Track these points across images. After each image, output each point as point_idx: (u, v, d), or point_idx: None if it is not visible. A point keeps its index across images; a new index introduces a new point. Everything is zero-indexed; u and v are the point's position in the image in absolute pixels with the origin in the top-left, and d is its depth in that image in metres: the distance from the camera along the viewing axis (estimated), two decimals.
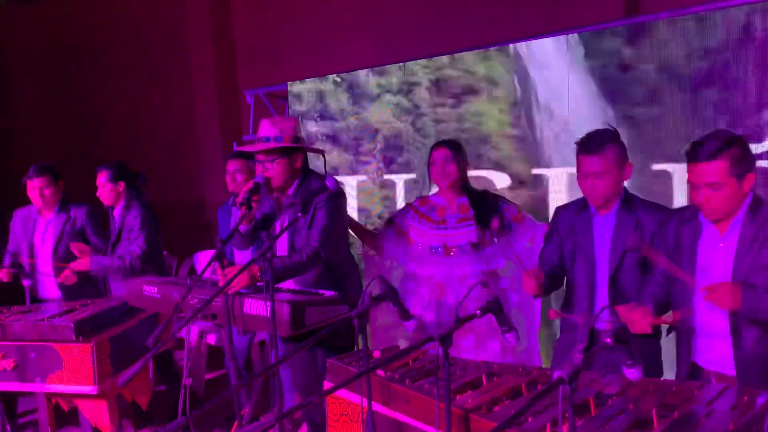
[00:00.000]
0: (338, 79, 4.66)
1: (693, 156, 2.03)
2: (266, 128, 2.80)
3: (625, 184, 2.47)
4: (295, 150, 2.82)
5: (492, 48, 3.90)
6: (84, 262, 3.61)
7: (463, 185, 3.05)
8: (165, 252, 4.85)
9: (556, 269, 2.55)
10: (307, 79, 4.82)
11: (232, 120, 6.08)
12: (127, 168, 3.83)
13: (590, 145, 2.36)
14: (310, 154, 2.97)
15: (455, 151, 3.02)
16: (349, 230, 3.31)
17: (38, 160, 3.91)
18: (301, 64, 5.46)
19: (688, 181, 2.08)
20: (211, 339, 4.37)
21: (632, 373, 1.57)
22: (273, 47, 5.83)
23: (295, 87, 4.91)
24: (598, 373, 1.97)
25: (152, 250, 3.69)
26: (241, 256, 3.62)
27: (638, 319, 2.10)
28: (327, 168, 3.12)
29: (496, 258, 2.97)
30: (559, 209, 2.65)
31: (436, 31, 4.87)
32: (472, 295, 2.59)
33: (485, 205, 3.01)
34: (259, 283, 2.57)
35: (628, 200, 2.45)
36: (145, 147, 6.43)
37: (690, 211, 2.20)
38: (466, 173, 3.07)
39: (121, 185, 3.77)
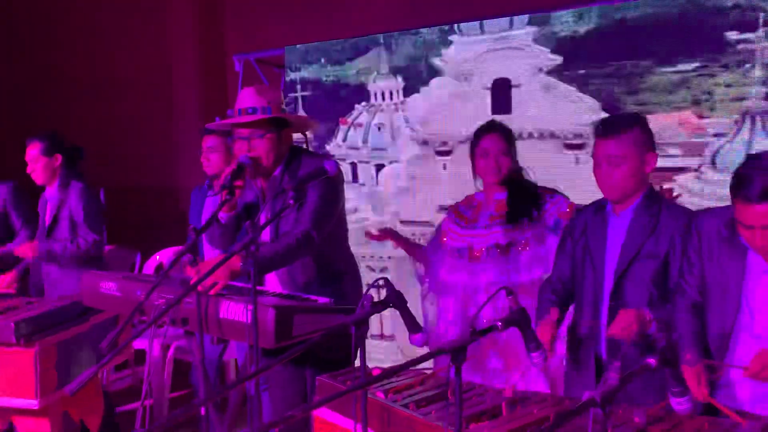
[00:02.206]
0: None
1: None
2: (250, 97, 2.82)
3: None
4: (285, 125, 2.87)
5: None
6: (26, 247, 3.68)
7: (509, 179, 3.08)
8: (126, 247, 4.93)
9: (568, 289, 2.62)
10: (310, 44, 4.90)
11: (215, 90, 6.13)
12: (63, 139, 3.90)
13: (608, 126, 2.47)
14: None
15: (509, 139, 3.07)
16: (399, 247, 3.41)
17: None
18: (302, 25, 5.53)
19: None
20: (177, 352, 4.43)
21: (681, 404, 1.60)
22: (267, 3, 5.90)
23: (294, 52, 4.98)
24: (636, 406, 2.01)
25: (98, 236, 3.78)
26: (212, 254, 3.58)
27: (692, 377, 2.10)
28: (310, 147, 3.18)
29: (530, 266, 2.98)
30: (574, 213, 2.73)
31: None
32: (499, 305, 2.64)
33: (524, 200, 3.02)
34: (236, 283, 2.63)
35: (650, 198, 2.50)
36: (108, 121, 6.50)
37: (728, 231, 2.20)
38: (518, 163, 3.10)
39: (58, 159, 3.83)
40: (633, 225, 2.47)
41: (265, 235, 2.87)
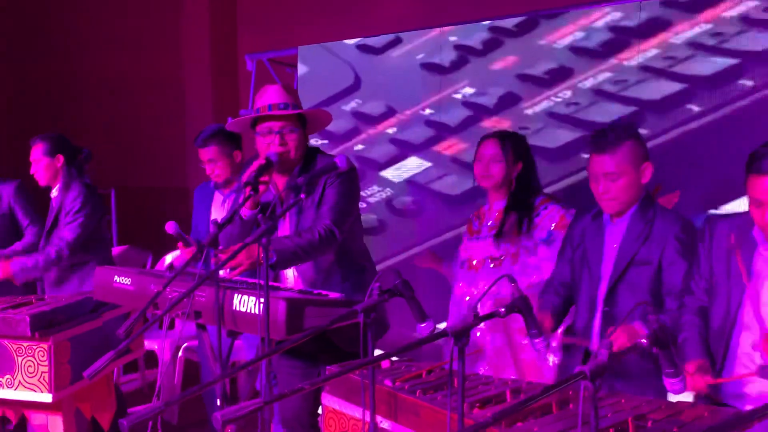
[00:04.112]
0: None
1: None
2: (279, 94, 3.00)
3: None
4: (305, 124, 3.05)
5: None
6: (4, 267, 3.81)
7: (510, 186, 3.23)
8: (137, 248, 5.10)
9: (569, 292, 2.77)
10: (324, 44, 5.06)
11: (227, 90, 6.31)
12: (67, 140, 4.06)
13: (602, 142, 2.58)
14: None
15: (505, 146, 3.20)
16: (436, 269, 3.56)
17: None
18: (317, 25, 5.69)
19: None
20: (187, 353, 4.59)
21: (674, 384, 1.75)
22: (280, 2, 6.06)
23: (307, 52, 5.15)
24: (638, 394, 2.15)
25: (90, 236, 3.91)
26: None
27: (695, 379, 2.21)
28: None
29: (521, 275, 3.12)
30: (574, 220, 2.87)
31: None
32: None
33: (517, 212, 3.17)
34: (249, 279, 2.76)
35: (645, 205, 2.63)
36: (120, 121, 6.68)
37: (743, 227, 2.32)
38: (524, 171, 3.23)
39: (60, 160, 3.99)
40: (628, 232, 2.63)
41: (282, 233, 3.03)
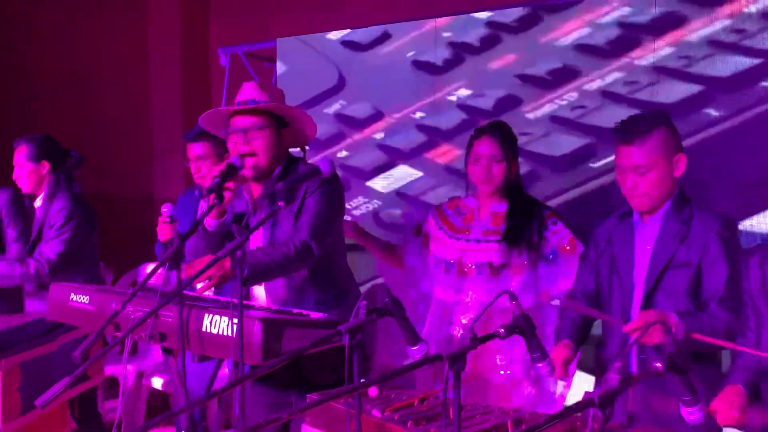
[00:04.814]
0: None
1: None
2: (252, 90, 3.01)
3: None
4: (284, 124, 3.05)
5: None
6: None
7: (508, 187, 3.24)
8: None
9: (593, 304, 2.75)
10: (305, 37, 5.08)
11: (198, 88, 6.31)
12: (55, 144, 4.06)
13: (630, 131, 2.58)
14: None
15: (505, 145, 3.21)
16: (360, 243, 3.54)
17: None
18: (298, 16, 5.71)
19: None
20: (155, 381, 4.56)
21: (692, 414, 1.76)
22: None
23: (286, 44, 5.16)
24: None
25: (76, 254, 3.92)
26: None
27: (723, 408, 2.19)
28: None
29: (520, 292, 3.10)
30: (597, 225, 2.86)
31: None
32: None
33: (526, 220, 3.18)
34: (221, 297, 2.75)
35: (680, 202, 2.63)
36: (79, 121, 6.63)
37: None
38: (517, 171, 3.25)
39: (45, 166, 3.98)
40: (663, 232, 2.61)
41: (255, 242, 3.03)
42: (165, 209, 3.40)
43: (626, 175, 2.61)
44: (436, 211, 3.41)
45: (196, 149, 3.91)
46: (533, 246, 3.15)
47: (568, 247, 3.14)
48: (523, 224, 3.16)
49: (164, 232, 3.45)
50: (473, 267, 3.19)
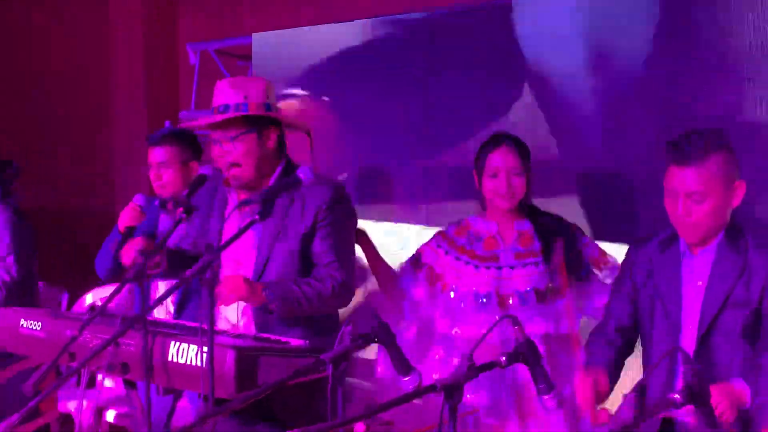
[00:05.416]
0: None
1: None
2: (224, 93, 3.00)
3: None
4: (267, 123, 3.02)
5: None
6: None
7: (523, 205, 3.21)
8: (42, 283, 5.03)
9: (628, 340, 2.72)
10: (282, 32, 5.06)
11: (165, 88, 6.23)
12: None
13: (686, 150, 2.51)
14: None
15: (522, 154, 3.17)
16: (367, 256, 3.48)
17: None
18: (274, 9, 5.67)
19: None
20: (114, 416, 4.49)
21: None
22: None
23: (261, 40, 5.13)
24: None
25: (26, 276, 3.89)
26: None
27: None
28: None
29: (567, 316, 3.11)
30: (634, 245, 2.82)
31: None
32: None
33: (557, 236, 3.17)
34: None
35: (734, 233, 2.59)
36: (30, 125, 6.58)
37: None
38: (530, 186, 3.21)
39: None
40: (717, 266, 2.57)
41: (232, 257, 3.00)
42: (137, 199, 3.40)
43: (678, 201, 2.54)
44: (442, 238, 3.33)
45: (158, 154, 3.84)
46: (571, 264, 3.13)
47: (600, 260, 3.17)
48: (556, 241, 3.15)
49: (129, 217, 3.42)
50: (516, 296, 3.15)
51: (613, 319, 2.79)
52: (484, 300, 3.18)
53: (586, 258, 3.17)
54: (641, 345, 2.73)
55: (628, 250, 2.84)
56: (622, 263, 2.85)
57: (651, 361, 2.67)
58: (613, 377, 2.70)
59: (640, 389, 1.65)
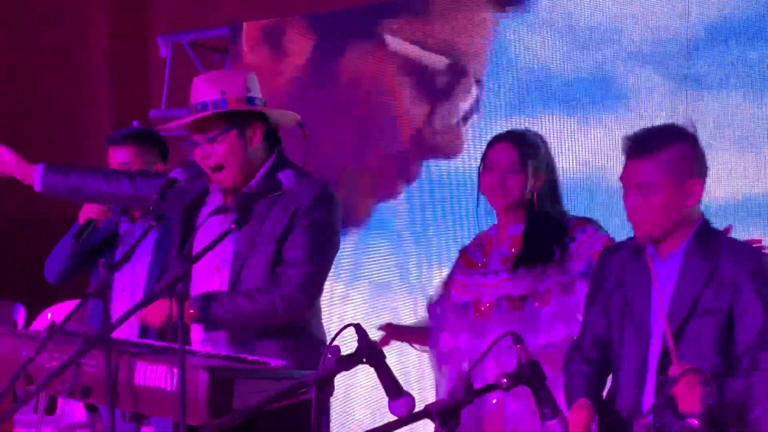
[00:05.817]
0: None
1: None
2: (201, 89, 2.95)
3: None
4: (251, 118, 2.97)
5: None
6: None
7: (530, 206, 3.16)
8: (4, 300, 4.98)
9: (605, 357, 2.71)
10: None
11: (134, 84, 6.25)
12: None
13: (640, 144, 2.58)
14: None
15: (524, 152, 3.14)
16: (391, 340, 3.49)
17: None
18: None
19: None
20: None
21: None
22: None
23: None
24: None
25: None
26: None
27: None
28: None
29: (551, 325, 3.07)
30: (605, 253, 2.83)
31: None
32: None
33: (544, 236, 3.12)
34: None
35: (705, 235, 2.60)
36: None
37: None
38: (547, 185, 3.18)
39: None
40: (684, 272, 2.59)
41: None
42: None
43: (628, 197, 2.60)
44: (461, 254, 3.37)
45: (119, 155, 3.82)
46: (556, 264, 3.08)
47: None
48: (541, 242, 3.10)
49: (94, 210, 3.41)
50: (492, 304, 3.13)
51: (589, 332, 2.79)
52: (464, 308, 3.20)
53: (587, 254, 3.06)
54: (611, 358, 2.73)
55: (600, 257, 2.86)
56: (594, 272, 2.86)
57: (621, 371, 2.67)
58: (599, 392, 2.73)
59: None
